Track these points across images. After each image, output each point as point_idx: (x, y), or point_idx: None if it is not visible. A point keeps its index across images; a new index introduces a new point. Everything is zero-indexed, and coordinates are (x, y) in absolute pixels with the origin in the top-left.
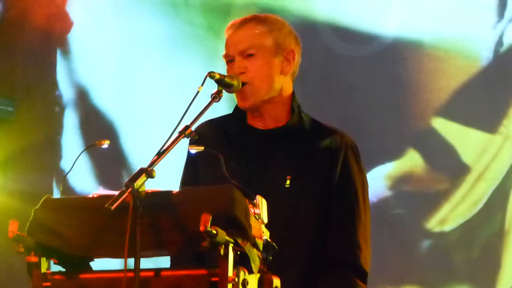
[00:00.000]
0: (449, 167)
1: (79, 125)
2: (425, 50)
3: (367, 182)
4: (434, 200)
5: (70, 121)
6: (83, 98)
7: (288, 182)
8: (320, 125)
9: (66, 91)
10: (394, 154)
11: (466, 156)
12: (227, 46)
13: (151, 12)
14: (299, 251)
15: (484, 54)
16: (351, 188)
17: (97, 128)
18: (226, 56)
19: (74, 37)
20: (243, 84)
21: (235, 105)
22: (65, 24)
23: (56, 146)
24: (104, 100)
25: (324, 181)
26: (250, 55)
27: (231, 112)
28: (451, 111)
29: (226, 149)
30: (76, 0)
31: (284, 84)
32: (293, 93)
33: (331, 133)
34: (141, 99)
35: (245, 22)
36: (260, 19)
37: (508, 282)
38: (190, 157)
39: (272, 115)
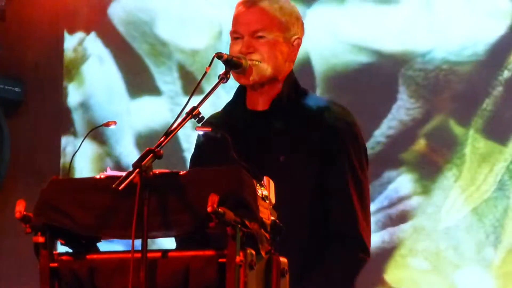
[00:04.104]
0: (461, 155)
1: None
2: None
3: (364, 154)
4: (448, 188)
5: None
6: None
7: (281, 161)
8: (318, 100)
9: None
10: (405, 143)
11: (479, 143)
12: (236, 23)
13: None
14: (297, 229)
15: (498, 59)
16: (347, 161)
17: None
18: (234, 32)
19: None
20: (250, 64)
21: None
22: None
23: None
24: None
25: (319, 157)
26: (260, 37)
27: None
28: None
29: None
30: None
31: (286, 68)
32: (290, 73)
33: (328, 107)
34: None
35: (258, 1)
36: (274, 1)
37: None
38: (196, 146)
39: (270, 96)
